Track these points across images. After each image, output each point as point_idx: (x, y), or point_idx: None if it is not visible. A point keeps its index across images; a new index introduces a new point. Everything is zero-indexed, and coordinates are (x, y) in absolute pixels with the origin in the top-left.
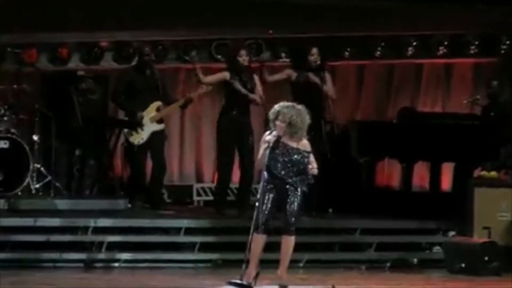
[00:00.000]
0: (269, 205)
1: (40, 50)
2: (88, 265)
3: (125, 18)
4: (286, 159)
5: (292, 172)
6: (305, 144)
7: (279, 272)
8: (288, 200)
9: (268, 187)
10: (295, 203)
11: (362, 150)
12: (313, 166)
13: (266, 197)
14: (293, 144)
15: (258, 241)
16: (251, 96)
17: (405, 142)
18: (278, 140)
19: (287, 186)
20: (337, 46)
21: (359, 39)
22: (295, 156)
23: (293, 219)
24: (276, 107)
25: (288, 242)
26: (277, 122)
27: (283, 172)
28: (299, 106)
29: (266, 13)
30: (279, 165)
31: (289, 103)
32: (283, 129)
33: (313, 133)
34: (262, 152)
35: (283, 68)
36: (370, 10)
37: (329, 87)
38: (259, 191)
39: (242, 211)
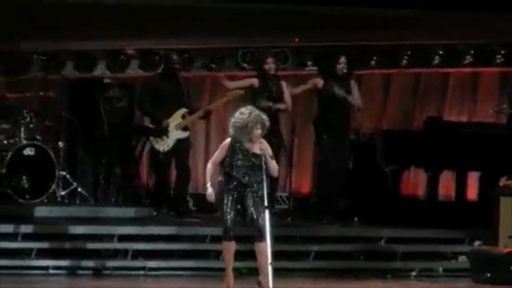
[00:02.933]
0: (231, 211)
1: (67, 57)
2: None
3: (151, 26)
4: (246, 164)
5: (253, 177)
6: (266, 146)
7: (260, 279)
8: (251, 206)
9: (228, 192)
10: (261, 209)
11: (388, 159)
12: (273, 168)
13: (227, 203)
14: (254, 148)
15: (228, 248)
16: (276, 106)
17: (431, 151)
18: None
19: (247, 191)
20: (364, 54)
21: (386, 48)
22: (256, 161)
23: (262, 226)
24: (251, 117)
25: (263, 248)
26: (257, 131)
27: (244, 177)
28: (252, 107)
29: (293, 21)
30: (240, 170)
31: (251, 108)
32: (260, 135)
33: (339, 142)
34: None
35: (309, 77)
36: (396, 19)
37: (355, 97)
38: (218, 197)
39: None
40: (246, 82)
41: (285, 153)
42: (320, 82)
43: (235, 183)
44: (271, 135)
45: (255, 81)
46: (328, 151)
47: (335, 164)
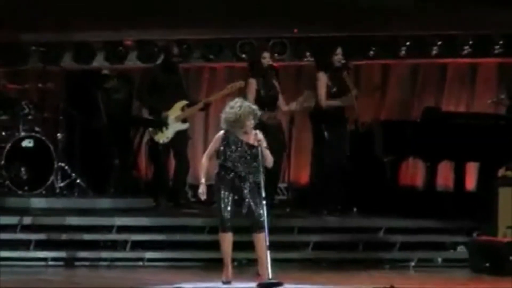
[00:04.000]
0: (228, 202)
1: (65, 49)
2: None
3: (150, 17)
4: (241, 155)
5: (249, 168)
6: (261, 137)
7: (259, 269)
8: (249, 197)
9: (225, 184)
10: (258, 200)
11: (387, 149)
12: (269, 159)
13: (225, 194)
14: (247, 138)
15: (225, 239)
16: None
17: (430, 141)
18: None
19: (243, 182)
20: (362, 45)
21: (384, 39)
22: (250, 151)
23: (261, 217)
24: (242, 109)
25: (261, 239)
26: (250, 122)
27: (240, 168)
28: (241, 99)
29: (291, 12)
30: (235, 161)
31: (240, 100)
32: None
33: (336, 133)
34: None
35: (307, 68)
36: (394, 10)
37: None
38: (215, 189)
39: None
40: (237, 85)
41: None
42: (325, 77)
43: (231, 174)
44: (276, 143)
45: (252, 84)
46: (325, 141)
47: (332, 154)
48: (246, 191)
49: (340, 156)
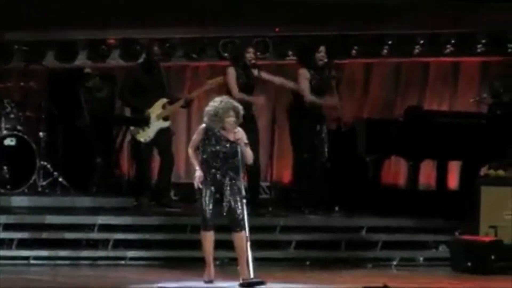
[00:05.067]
0: (210, 201)
1: (48, 47)
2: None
3: (132, 16)
4: (221, 150)
5: (228, 164)
6: (241, 133)
7: (239, 269)
8: (229, 195)
9: (206, 181)
10: (238, 198)
11: (369, 148)
12: (249, 156)
13: (206, 192)
14: (227, 135)
15: (206, 238)
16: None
17: (412, 140)
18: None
19: (224, 180)
20: (345, 44)
21: (367, 38)
22: (230, 148)
23: (240, 215)
24: (222, 104)
25: (239, 238)
26: (230, 119)
27: (218, 163)
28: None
29: (273, 11)
30: (215, 156)
31: (225, 97)
32: (235, 123)
33: (313, 130)
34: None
35: (289, 67)
36: (377, 8)
37: (330, 98)
38: (199, 187)
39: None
40: (218, 80)
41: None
42: (306, 72)
43: (213, 170)
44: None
45: (231, 71)
46: (303, 139)
47: (310, 153)
48: (227, 190)
49: (318, 154)
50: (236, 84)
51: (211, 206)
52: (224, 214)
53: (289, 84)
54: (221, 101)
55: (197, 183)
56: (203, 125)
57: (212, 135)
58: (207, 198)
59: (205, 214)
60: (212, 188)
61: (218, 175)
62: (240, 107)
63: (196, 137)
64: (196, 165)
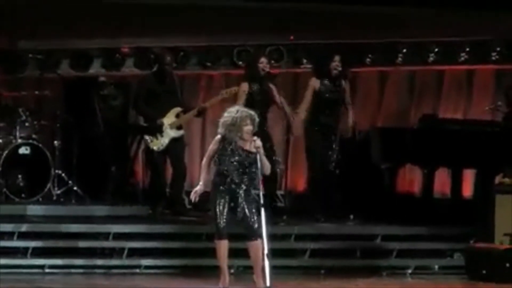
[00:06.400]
0: (224, 210)
1: (62, 56)
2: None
3: (147, 24)
4: (238, 161)
5: (244, 174)
6: (258, 142)
7: (254, 277)
8: (244, 204)
9: (221, 191)
10: (252, 207)
11: (384, 157)
12: (266, 166)
13: (221, 201)
14: (245, 145)
15: (221, 247)
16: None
17: (427, 148)
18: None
19: (239, 188)
20: (359, 52)
21: (381, 46)
22: (247, 158)
23: (254, 224)
24: (238, 113)
25: (254, 247)
26: (247, 127)
27: (234, 174)
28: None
29: (288, 19)
30: (231, 167)
31: (239, 107)
32: (251, 131)
33: (328, 141)
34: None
35: (304, 75)
36: (391, 17)
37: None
38: (211, 196)
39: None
40: (232, 91)
41: (278, 166)
42: (317, 83)
43: (228, 180)
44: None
45: (243, 86)
46: (318, 150)
47: (319, 162)
48: (241, 198)
49: (328, 163)
50: (247, 98)
51: (225, 215)
52: (239, 223)
53: (286, 109)
54: (237, 111)
55: (194, 196)
56: (219, 135)
57: (228, 145)
58: (221, 207)
59: (219, 222)
60: (227, 197)
61: (233, 185)
62: (255, 115)
63: (212, 147)
64: (202, 179)
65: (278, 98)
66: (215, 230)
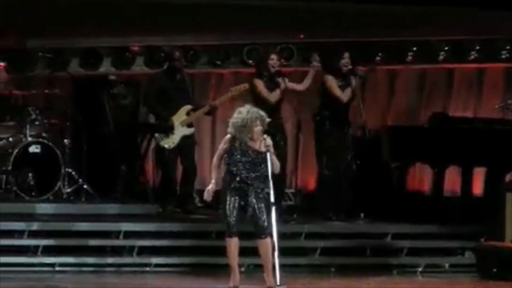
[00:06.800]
0: (234, 208)
1: (72, 55)
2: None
3: (157, 23)
4: (248, 160)
5: (254, 172)
6: (268, 141)
7: (265, 276)
8: (254, 202)
9: (231, 189)
10: (262, 205)
11: (394, 155)
12: (276, 165)
13: (231, 200)
14: (255, 145)
15: (231, 244)
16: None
17: (437, 146)
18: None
19: (249, 187)
20: (369, 51)
21: (391, 44)
22: (257, 157)
23: (264, 223)
24: (249, 115)
25: (264, 245)
26: (257, 128)
27: (244, 173)
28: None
29: (298, 18)
30: (240, 166)
31: (249, 106)
32: (261, 131)
33: (339, 138)
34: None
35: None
36: (401, 15)
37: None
38: (221, 194)
39: None
40: (241, 88)
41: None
42: (332, 80)
43: (238, 179)
44: (274, 130)
45: (257, 82)
46: (325, 146)
47: (333, 159)
48: (251, 197)
49: (341, 161)
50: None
51: (235, 213)
52: (248, 221)
53: (307, 82)
54: (247, 111)
55: (207, 196)
56: (229, 135)
57: (238, 145)
58: (231, 205)
59: (230, 221)
60: (237, 196)
61: (243, 184)
62: (265, 115)
63: (222, 146)
64: (213, 178)
65: (300, 86)
66: (226, 228)
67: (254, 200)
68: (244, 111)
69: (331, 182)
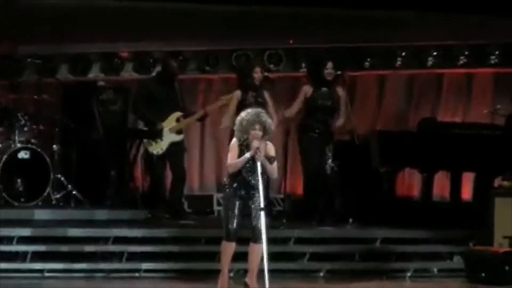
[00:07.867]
0: (237, 212)
1: (61, 61)
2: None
3: (145, 29)
4: (249, 164)
5: (253, 177)
6: (271, 148)
7: (247, 280)
8: (253, 208)
9: (233, 193)
10: (258, 209)
11: (383, 160)
12: (271, 170)
13: (233, 204)
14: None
15: (228, 249)
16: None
17: (426, 152)
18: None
19: (249, 193)
20: (358, 56)
21: (380, 50)
22: (254, 161)
23: (262, 227)
24: (248, 116)
25: (257, 250)
26: (254, 132)
27: (246, 177)
28: (260, 109)
29: (287, 24)
30: (243, 171)
31: (254, 109)
32: (260, 137)
33: (321, 146)
34: (242, 158)
35: (303, 80)
36: (390, 20)
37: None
38: (224, 197)
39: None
40: (228, 99)
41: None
42: (309, 90)
43: (242, 182)
44: None
45: (237, 94)
46: (311, 155)
47: (312, 165)
48: (250, 201)
49: (322, 168)
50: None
51: (236, 218)
52: (248, 226)
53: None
54: (248, 113)
55: (253, 151)
56: (234, 139)
57: (245, 150)
58: (235, 211)
59: (231, 225)
60: (239, 201)
61: (244, 188)
62: (268, 121)
63: (232, 153)
64: (247, 155)
65: (270, 103)
66: (225, 231)
67: (252, 205)
68: (247, 112)
69: (316, 188)
